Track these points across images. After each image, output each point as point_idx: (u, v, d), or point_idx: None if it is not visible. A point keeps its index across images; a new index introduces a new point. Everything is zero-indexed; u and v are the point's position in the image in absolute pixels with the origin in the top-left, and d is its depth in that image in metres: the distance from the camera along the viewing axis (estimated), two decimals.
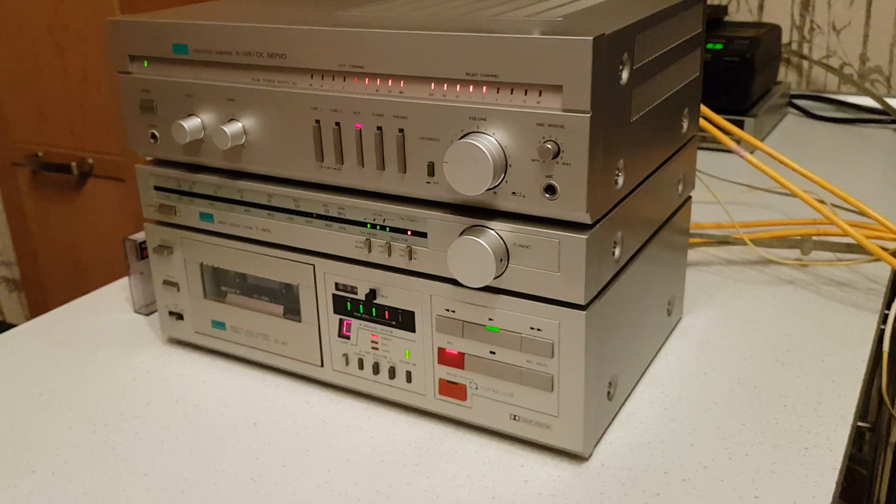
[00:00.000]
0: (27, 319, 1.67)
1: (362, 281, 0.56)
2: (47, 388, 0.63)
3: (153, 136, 0.60)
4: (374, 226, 0.54)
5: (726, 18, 1.29)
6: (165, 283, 0.65)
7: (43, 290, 1.59)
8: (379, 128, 0.51)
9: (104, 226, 1.46)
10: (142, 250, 0.71)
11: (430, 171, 0.50)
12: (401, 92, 0.50)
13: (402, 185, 0.51)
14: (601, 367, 0.52)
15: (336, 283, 0.57)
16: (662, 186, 0.58)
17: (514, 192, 0.48)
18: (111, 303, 0.76)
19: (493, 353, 0.52)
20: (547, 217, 0.48)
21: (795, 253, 0.79)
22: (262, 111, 0.55)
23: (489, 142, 0.47)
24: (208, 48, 0.55)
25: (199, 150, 0.58)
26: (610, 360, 0.53)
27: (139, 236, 0.72)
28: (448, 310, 0.53)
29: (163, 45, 0.57)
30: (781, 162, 0.72)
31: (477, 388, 0.53)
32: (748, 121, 1.08)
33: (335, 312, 0.58)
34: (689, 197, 0.66)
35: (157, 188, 0.62)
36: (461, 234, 0.50)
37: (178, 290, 0.65)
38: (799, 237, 0.77)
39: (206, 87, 0.56)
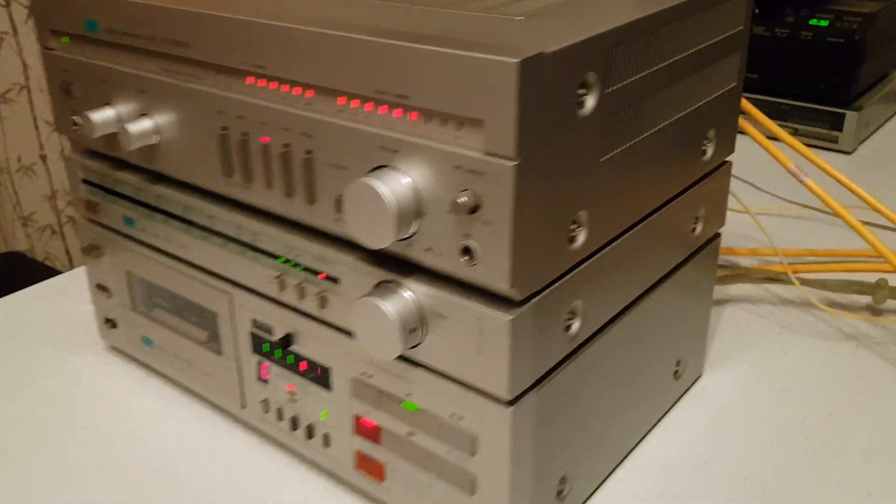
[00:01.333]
0: None
1: (278, 322, 0.46)
2: None
3: (74, 122, 0.52)
4: (287, 261, 0.44)
5: None
6: (98, 287, 0.58)
7: None
8: (286, 145, 0.41)
9: None
10: None
11: (339, 206, 0.40)
12: (308, 104, 0.39)
13: (312, 217, 0.41)
14: (545, 466, 0.41)
15: (253, 320, 0.48)
16: (665, 231, 0.46)
17: (428, 248, 0.37)
18: (81, 287, 0.69)
19: (411, 433, 0.42)
20: (472, 282, 0.37)
21: (867, 299, 0.64)
22: (172, 108, 0.45)
23: (397, 182, 0.36)
24: (117, 28, 0.46)
25: (118, 144, 0.50)
26: (561, 456, 0.42)
27: None
28: (365, 374, 0.43)
29: (77, 20, 0.48)
30: (843, 184, 0.57)
31: (396, 471, 0.44)
32: (850, 114, 0.91)
33: (253, 352, 0.48)
34: (717, 235, 0.53)
35: (84, 181, 0.54)
36: (374, 288, 0.39)
37: (110, 296, 0.57)
38: (874, 282, 0.63)
39: (118, 73, 0.47)
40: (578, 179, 0.37)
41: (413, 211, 0.36)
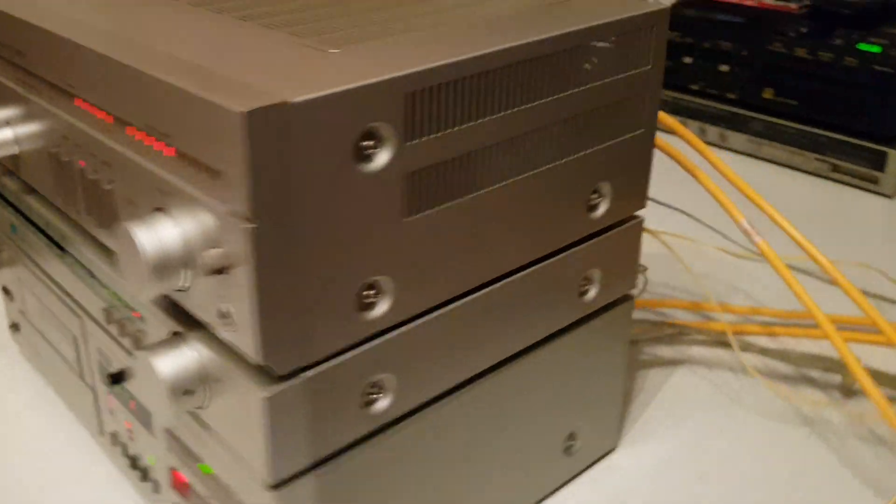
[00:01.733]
0: None
1: (114, 356, 0.43)
2: None
3: None
4: (114, 293, 0.41)
5: None
6: (3, 289, 0.56)
7: None
8: (96, 171, 0.37)
9: None
10: None
11: None
12: (107, 131, 0.36)
13: None
14: None
15: (98, 349, 0.45)
16: (531, 295, 0.40)
17: (199, 304, 0.33)
18: None
19: (210, 497, 0.38)
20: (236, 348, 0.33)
21: (837, 378, 0.56)
22: (24, 120, 0.43)
23: (164, 229, 0.32)
24: None
25: None
26: None
27: None
28: (174, 426, 0.39)
29: None
30: (799, 245, 0.49)
31: None
32: (893, 154, 0.81)
33: (101, 382, 0.46)
34: (627, 297, 0.46)
35: None
36: (170, 336, 0.36)
37: (12, 300, 0.56)
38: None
39: None
40: (371, 241, 0.32)
41: (179, 262, 0.32)
